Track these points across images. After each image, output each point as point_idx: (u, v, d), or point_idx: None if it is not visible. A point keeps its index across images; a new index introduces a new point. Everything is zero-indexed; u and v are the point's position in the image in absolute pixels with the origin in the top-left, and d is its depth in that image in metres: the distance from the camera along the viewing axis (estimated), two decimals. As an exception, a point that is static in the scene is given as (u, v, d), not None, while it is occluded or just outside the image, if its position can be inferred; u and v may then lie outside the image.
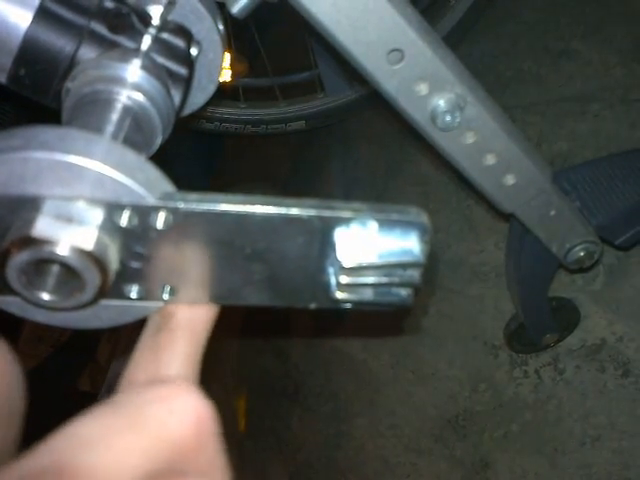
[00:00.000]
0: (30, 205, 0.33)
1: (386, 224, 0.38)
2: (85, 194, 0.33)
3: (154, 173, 0.35)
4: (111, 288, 0.36)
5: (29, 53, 0.46)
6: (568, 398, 1.14)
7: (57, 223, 0.33)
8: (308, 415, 1.63)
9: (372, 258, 0.38)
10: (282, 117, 1.76)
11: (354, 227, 0.37)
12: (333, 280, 0.39)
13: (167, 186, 0.36)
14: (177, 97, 0.50)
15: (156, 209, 0.34)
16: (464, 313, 1.37)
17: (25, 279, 0.34)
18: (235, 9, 0.62)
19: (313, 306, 0.41)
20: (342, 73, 1.62)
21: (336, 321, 1.64)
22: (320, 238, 0.37)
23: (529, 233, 0.92)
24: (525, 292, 1.07)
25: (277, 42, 2.18)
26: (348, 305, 0.41)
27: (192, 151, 2.11)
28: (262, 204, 0.35)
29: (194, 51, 0.53)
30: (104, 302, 0.38)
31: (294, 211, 0.36)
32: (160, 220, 0.34)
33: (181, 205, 0.34)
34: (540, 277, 1.05)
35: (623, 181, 0.97)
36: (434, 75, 0.68)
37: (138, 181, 0.34)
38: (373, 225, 0.37)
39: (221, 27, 0.58)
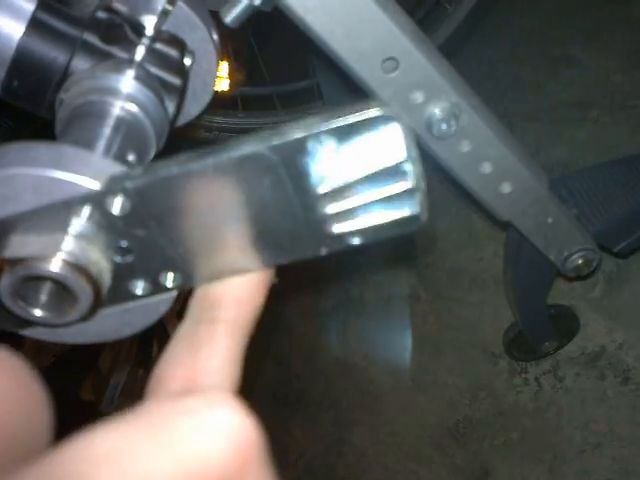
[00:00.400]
0: (5, 226, 0.32)
1: (346, 132, 0.32)
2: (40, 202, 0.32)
3: (97, 161, 0.34)
4: (115, 291, 0.35)
5: (22, 64, 0.46)
6: (568, 406, 1.14)
7: (28, 239, 0.32)
8: (309, 423, 1.62)
9: (347, 174, 0.33)
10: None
11: (313, 146, 0.32)
12: (323, 215, 0.34)
13: (113, 167, 0.34)
14: (171, 107, 0.50)
15: (105, 195, 0.32)
16: (463, 321, 1.36)
17: (19, 300, 0.34)
18: (228, 18, 0.62)
19: (324, 252, 0.36)
20: (341, 82, 1.62)
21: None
22: (286, 172, 0.32)
23: (526, 241, 0.92)
24: (523, 300, 1.07)
25: (275, 51, 2.19)
26: (357, 239, 0.35)
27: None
28: (204, 156, 0.31)
29: (188, 61, 0.53)
30: (114, 309, 0.37)
31: (237, 151, 0.31)
32: (116, 206, 0.32)
33: (129, 184, 0.32)
34: (538, 285, 1.05)
35: (621, 188, 0.97)
36: (429, 83, 0.68)
37: (81, 172, 0.33)
38: (330, 141, 0.32)
39: (215, 37, 0.58)
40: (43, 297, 0.35)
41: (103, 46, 0.47)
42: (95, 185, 0.33)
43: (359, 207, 0.34)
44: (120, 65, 0.46)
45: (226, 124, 1.72)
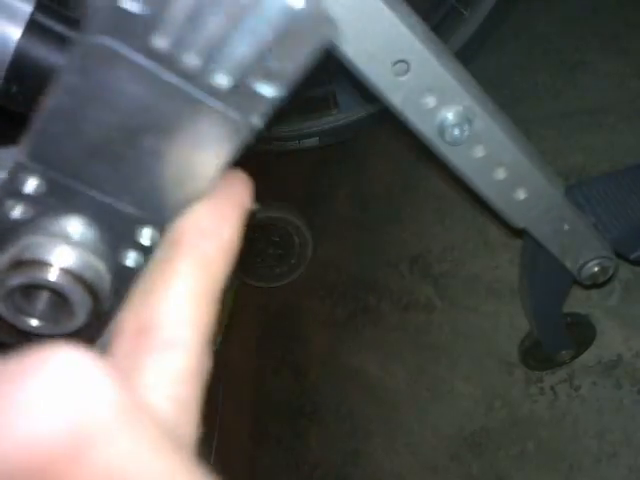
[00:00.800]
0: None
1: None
2: None
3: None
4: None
5: (21, 68, 0.45)
6: (584, 415, 1.13)
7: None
8: (325, 433, 1.62)
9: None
10: (296, 134, 1.77)
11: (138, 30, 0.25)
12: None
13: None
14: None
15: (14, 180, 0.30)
16: (479, 330, 1.36)
17: (14, 307, 0.33)
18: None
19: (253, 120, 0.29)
20: (356, 89, 1.62)
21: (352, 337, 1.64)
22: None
23: (542, 248, 0.91)
24: (539, 308, 1.06)
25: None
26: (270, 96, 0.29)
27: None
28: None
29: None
30: None
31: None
32: (31, 185, 0.30)
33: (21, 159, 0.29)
34: (554, 293, 1.04)
35: (638, 195, 0.96)
36: (441, 87, 0.67)
37: None
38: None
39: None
40: (40, 306, 0.34)
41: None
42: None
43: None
44: None
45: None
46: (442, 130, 0.70)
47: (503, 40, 1.63)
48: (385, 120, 1.71)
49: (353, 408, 1.57)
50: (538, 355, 1.16)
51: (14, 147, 0.30)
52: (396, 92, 0.67)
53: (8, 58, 0.45)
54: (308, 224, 1.84)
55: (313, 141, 1.79)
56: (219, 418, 1.61)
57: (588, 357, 1.16)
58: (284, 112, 1.76)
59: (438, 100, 0.68)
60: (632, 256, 0.97)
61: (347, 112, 1.72)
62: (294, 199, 2.09)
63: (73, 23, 0.47)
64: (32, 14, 0.46)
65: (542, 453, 1.16)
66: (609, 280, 0.99)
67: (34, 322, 0.33)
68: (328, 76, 1.66)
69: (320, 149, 1.88)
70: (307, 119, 1.76)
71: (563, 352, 1.13)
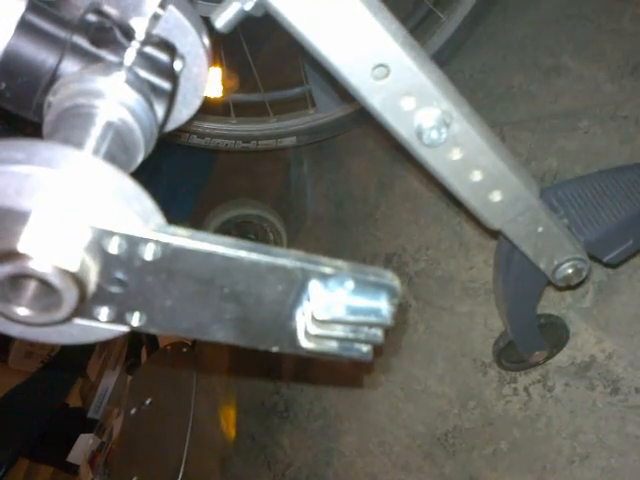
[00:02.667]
0: (19, 218, 0.33)
1: (361, 284, 0.39)
2: (80, 215, 0.33)
3: (149, 204, 0.36)
4: (83, 309, 0.36)
5: (11, 66, 0.46)
6: (557, 416, 1.14)
7: (44, 240, 0.32)
8: (298, 432, 1.62)
9: (343, 314, 0.39)
10: (273, 133, 1.77)
11: (332, 283, 0.39)
12: (302, 328, 0.41)
13: (160, 219, 0.36)
14: (160, 112, 0.50)
15: (147, 241, 0.35)
16: (454, 330, 1.36)
17: (1, 292, 0.34)
18: (219, 23, 0.62)
19: (275, 349, 0.42)
20: (333, 89, 1.62)
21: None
22: (298, 288, 0.39)
23: (517, 250, 0.92)
24: (513, 309, 1.07)
25: (268, 58, 2.19)
26: (309, 353, 0.42)
27: (180, 166, 2.12)
28: (250, 250, 0.37)
29: (178, 65, 0.53)
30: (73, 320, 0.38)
31: (281, 261, 0.37)
32: (149, 252, 0.35)
33: (173, 240, 0.35)
34: (528, 294, 1.05)
35: (611, 197, 0.97)
36: (420, 91, 0.67)
37: (136, 211, 0.35)
38: (350, 283, 0.39)
39: (206, 41, 0.58)
40: (24, 294, 0.35)
41: (92, 49, 0.47)
42: (139, 224, 0.35)
43: (334, 337, 0.40)
44: (109, 68, 0.46)
45: (219, 130, 1.72)
46: (420, 132, 0.70)
47: (479, 43, 1.64)
48: (362, 120, 1.71)
49: (326, 407, 1.57)
50: (512, 355, 1.17)
51: None
52: (375, 95, 0.67)
53: None
54: (284, 222, 1.84)
55: (291, 140, 1.80)
56: (192, 414, 1.60)
57: (562, 358, 1.17)
58: (261, 111, 1.76)
59: (416, 103, 0.69)
60: (606, 258, 0.98)
61: (324, 112, 1.72)
62: (270, 197, 2.09)
63: (64, 23, 0.47)
64: (24, 13, 0.46)
65: (515, 453, 1.17)
66: (583, 282, 1.00)
67: (22, 311, 0.35)
68: (304, 75, 1.66)
69: (297, 147, 1.88)
70: (284, 118, 1.77)
71: (537, 353, 1.14)
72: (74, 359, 2.51)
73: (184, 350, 1.86)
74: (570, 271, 0.94)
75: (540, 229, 0.88)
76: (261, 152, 1.85)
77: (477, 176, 0.78)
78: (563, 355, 1.17)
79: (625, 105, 1.28)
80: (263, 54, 2.27)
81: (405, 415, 1.38)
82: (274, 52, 2.23)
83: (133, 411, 1.81)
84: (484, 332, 1.30)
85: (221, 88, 1.61)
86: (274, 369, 1.76)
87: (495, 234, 0.93)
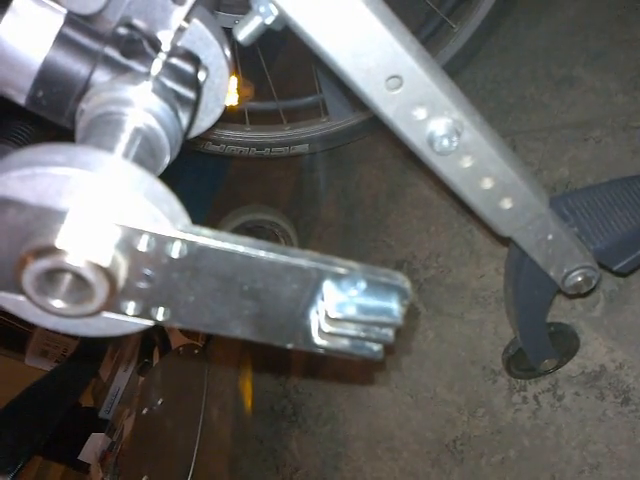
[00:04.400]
0: (57, 217, 0.35)
1: (373, 284, 0.41)
2: (113, 215, 0.36)
3: (177, 206, 0.39)
4: (111, 302, 0.38)
5: (48, 76, 0.49)
6: (567, 425, 1.14)
7: (79, 237, 0.35)
8: (306, 437, 1.62)
9: (355, 313, 0.41)
10: (286, 140, 1.79)
11: (345, 283, 0.41)
12: (315, 326, 0.43)
13: (186, 219, 0.39)
14: (185, 119, 0.52)
15: (174, 240, 0.37)
16: (464, 338, 1.37)
17: (38, 285, 0.36)
18: (241, 36, 0.63)
19: (290, 346, 0.44)
20: (345, 98, 1.64)
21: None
22: (312, 287, 0.41)
23: (527, 258, 0.93)
24: (523, 317, 1.07)
25: (283, 67, 2.21)
26: (322, 350, 0.44)
27: (195, 172, 2.14)
28: (269, 249, 0.39)
29: (202, 76, 0.55)
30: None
31: (297, 261, 0.39)
32: (176, 250, 0.37)
33: (198, 239, 0.37)
34: (538, 302, 1.05)
35: (621, 207, 0.98)
36: (432, 101, 0.69)
37: (164, 212, 0.37)
38: (362, 284, 0.41)
39: (228, 53, 0.59)
40: (59, 287, 0.38)
41: (123, 60, 0.49)
42: (167, 224, 0.38)
43: (346, 336, 0.43)
44: (138, 78, 0.48)
45: (234, 137, 1.74)
46: (431, 141, 0.72)
47: (491, 54, 1.65)
48: (374, 128, 1.73)
49: (335, 412, 1.58)
50: (522, 364, 1.17)
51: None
52: (388, 105, 0.69)
53: (37, 67, 0.49)
54: (295, 227, 1.86)
55: (303, 148, 1.81)
56: (202, 417, 1.61)
57: (572, 367, 1.17)
58: (275, 119, 1.78)
59: (428, 113, 0.70)
60: (616, 267, 0.99)
61: (337, 119, 1.74)
62: (281, 203, 2.10)
63: (97, 36, 0.50)
64: (61, 28, 0.49)
65: (524, 462, 1.17)
66: (593, 290, 1.00)
67: (57, 303, 0.38)
68: (318, 84, 1.68)
69: (310, 155, 1.90)
70: (297, 126, 1.78)
71: (546, 361, 1.14)
72: (88, 359, 2.52)
73: (196, 352, 1.87)
74: (580, 279, 0.95)
75: (550, 237, 0.89)
76: (274, 159, 1.87)
77: (488, 183, 0.79)
78: (573, 364, 1.17)
79: (637, 116, 1.29)
80: (277, 63, 2.29)
81: (414, 422, 1.39)
82: (288, 61, 2.24)
83: (145, 411, 1.83)
84: (494, 340, 1.31)
85: (237, 96, 1.63)
86: (283, 373, 1.77)
87: (506, 241, 0.94)
